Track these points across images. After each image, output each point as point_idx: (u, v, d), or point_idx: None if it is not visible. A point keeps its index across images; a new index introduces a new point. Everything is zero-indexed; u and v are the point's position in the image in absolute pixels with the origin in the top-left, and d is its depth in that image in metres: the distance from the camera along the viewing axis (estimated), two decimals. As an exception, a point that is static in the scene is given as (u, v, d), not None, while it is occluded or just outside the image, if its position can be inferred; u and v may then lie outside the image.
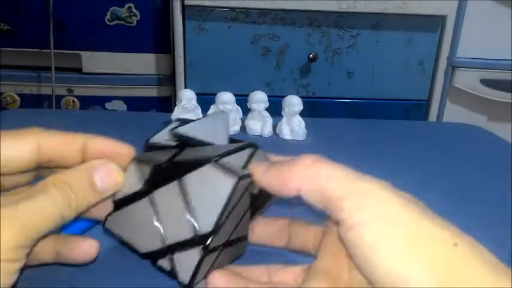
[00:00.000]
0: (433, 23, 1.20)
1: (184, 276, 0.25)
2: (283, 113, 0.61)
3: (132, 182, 0.27)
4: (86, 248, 0.27)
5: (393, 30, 1.19)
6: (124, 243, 0.28)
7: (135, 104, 1.37)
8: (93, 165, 0.26)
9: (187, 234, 0.25)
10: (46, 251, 0.27)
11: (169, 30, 1.28)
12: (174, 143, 0.29)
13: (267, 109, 0.61)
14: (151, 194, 0.27)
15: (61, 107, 1.34)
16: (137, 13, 1.31)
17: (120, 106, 1.37)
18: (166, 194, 0.26)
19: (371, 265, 0.21)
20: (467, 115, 1.32)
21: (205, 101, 0.60)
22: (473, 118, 1.31)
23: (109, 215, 0.28)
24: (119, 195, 0.28)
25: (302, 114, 0.60)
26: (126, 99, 1.37)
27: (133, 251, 0.27)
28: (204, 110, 0.60)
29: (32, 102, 1.35)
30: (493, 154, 0.60)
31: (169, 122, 0.30)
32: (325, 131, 0.61)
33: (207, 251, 0.25)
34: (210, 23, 1.15)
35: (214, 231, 0.25)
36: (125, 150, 0.28)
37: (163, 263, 0.26)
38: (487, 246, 0.23)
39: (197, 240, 0.25)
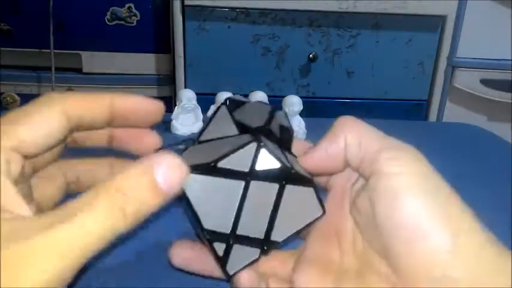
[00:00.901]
0: (433, 23, 1.20)
1: (233, 267, 0.25)
2: (283, 113, 0.61)
3: (227, 125, 0.26)
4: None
5: (393, 30, 1.19)
6: (189, 210, 0.24)
7: (135, 104, 1.37)
8: (153, 162, 0.20)
9: (259, 235, 0.25)
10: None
11: (169, 30, 1.28)
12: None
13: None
14: (249, 181, 0.25)
15: (61, 107, 1.34)
16: (137, 13, 1.31)
17: (120, 106, 1.37)
18: (263, 189, 0.25)
19: (393, 214, 0.22)
20: (467, 115, 1.32)
21: (205, 101, 0.60)
22: (473, 118, 1.31)
23: (196, 172, 0.24)
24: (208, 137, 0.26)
25: (302, 114, 0.60)
26: (126, 99, 1.37)
27: (195, 221, 0.25)
28: (204, 110, 0.60)
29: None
30: (493, 154, 0.60)
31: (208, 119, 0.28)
32: (325, 131, 0.61)
33: (263, 256, 0.26)
34: (210, 23, 1.15)
35: (281, 243, 0.26)
36: (154, 106, 0.25)
37: (219, 246, 0.25)
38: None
39: (263, 243, 0.25)
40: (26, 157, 0.21)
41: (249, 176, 0.24)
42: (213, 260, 0.26)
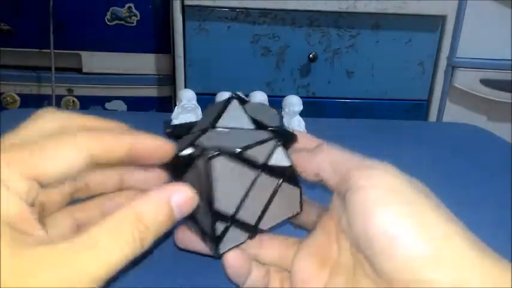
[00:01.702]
0: (433, 23, 1.20)
1: (224, 247, 0.27)
2: (283, 113, 0.61)
3: (238, 118, 0.28)
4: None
5: (393, 30, 1.19)
6: (204, 189, 0.26)
7: (135, 104, 1.37)
8: (171, 192, 0.22)
9: (251, 221, 0.28)
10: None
11: (169, 30, 1.28)
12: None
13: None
14: (260, 172, 0.27)
15: (61, 107, 1.34)
16: (137, 13, 1.31)
17: (120, 106, 1.37)
18: (267, 182, 0.27)
19: (367, 225, 0.22)
20: (467, 115, 1.32)
21: (205, 101, 0.60)
22: (473, 118, 1.31)
23: (223, 156, 0.26)
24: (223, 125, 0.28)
25: (302, 114, 0.60)
26: (126, 99, 1.37)
27: (209, 199, 0.26)
28: (204, 110, 0.60)
29: (32, 102, 1.35)
30: (493, 154, 0.60)
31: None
32: (325, 131, 0.61)
33: (248, 240, 0.28)
34: (210, 23, 1.15)
35: (266, 232, 0.28)
36: (168, 146, 0.26)
37: (219, 226, 0.27)
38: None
39: (252, 229, 0.28)
40: (40, 185, 0.22)
41: (262, 168, 0.27)
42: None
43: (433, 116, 1.28)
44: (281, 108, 0.61)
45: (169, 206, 0.22)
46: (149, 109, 1.38)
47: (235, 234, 0.27)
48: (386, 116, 1.24)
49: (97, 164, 0.23)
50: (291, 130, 0.29)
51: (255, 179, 0.27)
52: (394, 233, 0.21)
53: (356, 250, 0.25)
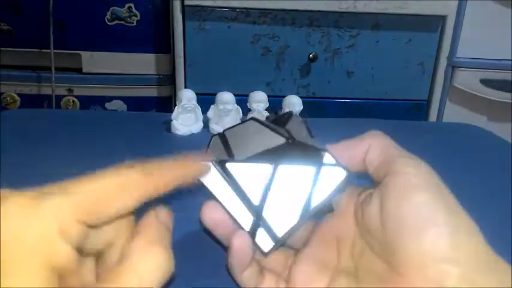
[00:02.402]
0: (433, 23, 1.20)
1: (281, 232, 0.28)
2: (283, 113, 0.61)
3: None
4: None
5: (393, 30, 1.19)
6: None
7: (135, 104, 1.37)
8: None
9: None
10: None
11: (169, 30, 1.28)
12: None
13: (266, 109, 0.62)
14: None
15: (61, 107, 1.34)
16: (137, 13, 1.31)
17: (120, 106, 1.37)
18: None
19: (403, 206, 0.24)
20: (467, 115, 1.32)
21: (205, 101, 0.60)
22: (473, 118, 1.31)
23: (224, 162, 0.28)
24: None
25: (302, 114, 0.60)
26: (126, 99, 1.37)
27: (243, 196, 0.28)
28: (204, 110, 0.61)
29: (32, 102, 1.35)
30: (493, 154, 0.60)
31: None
32: (325, 131, 0.61)
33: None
34: (210, 23, 1.15)
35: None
36: (205, 168, 0.28)
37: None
38: (486, 246, 0.23)
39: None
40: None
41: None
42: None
43: (433, 116, 1.28)
44: (281, 108, 0.61)
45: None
46: (149, 109, 1.38)
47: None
48: (386, 116, 1.24)
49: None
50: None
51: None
52: (428, 216, 0.23)
53: (370, 242, 0.26)
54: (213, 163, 0.28)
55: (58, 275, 0.18)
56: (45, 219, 0.19)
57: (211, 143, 0.30)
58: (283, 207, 0.28)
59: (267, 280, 0.29)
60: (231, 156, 0.28)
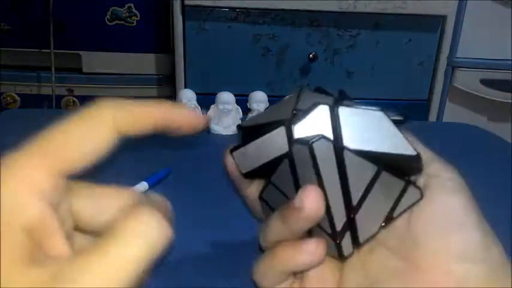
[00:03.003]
0: (433, 23, 1.20)
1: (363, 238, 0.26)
2: (283, 113, 0.61)
3: (321, 125, 0.25)
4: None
5: (393, 30, 1.19)
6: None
7: (135, 104, 1.37)
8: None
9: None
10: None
11: (169, 30, 1.28)
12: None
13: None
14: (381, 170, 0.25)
15: (61, 107, 1.34)
16: (137, 13, 1.31)
17: (120, 106, 1.37)
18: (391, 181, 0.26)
19: (433, 204, 0.25)
20: (467, 115, 1.32)
21: (205, 101, 0.60)
22: (473, 118, 1.31)
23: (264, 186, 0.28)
24: (302, 131, 0.25)
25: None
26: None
27: (346, 191, 0.25)
28: (204, 110, 0.61)
29: (32, 102, 1.35)
30: (493, 154, 0.60)
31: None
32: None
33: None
34: (210, 23, 1.15)
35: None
36: (199, 119, 0.23)
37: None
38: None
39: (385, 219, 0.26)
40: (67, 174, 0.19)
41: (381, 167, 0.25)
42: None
43: (433, 116, 1.28)
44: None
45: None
46: (149, 109, 1.38)
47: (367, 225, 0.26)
48: (386, 116, 1.24)
49: (126, 136, 0.21)
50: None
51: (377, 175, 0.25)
52: (461, 218, 0.24)
53: (388, 233, 0.26)
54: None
55: (31, 236, 0.17)
56: (11, 178, 0.17)
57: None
58: (372, 212, 0.26)
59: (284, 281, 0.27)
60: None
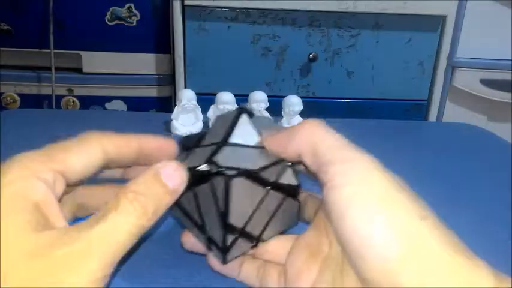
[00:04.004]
0: (433, 23, 1.20)
1: (231, 256, 0.29)
2: (283, 113, 0.61)
3: (249, 132, 0.29)
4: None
5: (393, 30, 1.19)
6: (216, 206, 0.28)
7: (135, 104, 1.37)
8: (157, 167, 0.25)
9: (256, 232, 0.29)
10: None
11: (169, 30, 1.28)
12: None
13: (267, 109, 0.61)
14: (269, 190, 0.28)
15: (61, 107, 1.34)
16: (137, 13, 1.31)
17: (120, 106, 1.37)
18: (274, 198, 0.29)
19: (342, 223, 0.23)
20: (467, 115, 1.32)
21: (205, 101, 0.60)
22: (473, 118, 1.31)
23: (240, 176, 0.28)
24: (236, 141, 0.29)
25: (302, 114, 0.60)
26: (126, 99, 1.37)
27: (222, 214, 0.27)
28: (204, 110, 0.61)
29: (32, 102, 1.35)
30: (493, 154, 0.60)
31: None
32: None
33: (251, 249, 0.29)
34: (210, 23, 1.15)
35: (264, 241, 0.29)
36: (170, 145, 0.29)
37: (229, 238, 0.28)
38: (486, 246, 0.23)
39: (256, 239, 0.29)
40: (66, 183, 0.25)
41: (272, 186, 0.28)
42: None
43: (433, 116, 1.28)
44: (281, 108, 0.61)
45: (158, 178, 0.24)
46: (149, 109, 1.38)
47: (241, 244, 0.29)
48: (386, 116, 1.24)
49: (113, 162, 0.27)
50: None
51: (265, 196, 0.28)
52: (365, 234, 0.22)
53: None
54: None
55: (39, 210, 0.22)
56: (19, 166, 0.23)
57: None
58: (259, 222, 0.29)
59: (269, 274, 0.29)
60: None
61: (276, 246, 0.29)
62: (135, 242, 0.23)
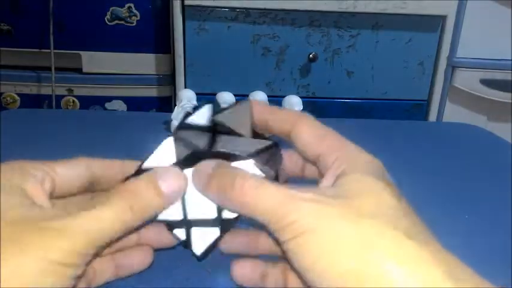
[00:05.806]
0: (433, 23, 1.20)
1: (199, 249, 0.28)
2: (283, 113, 0.61)
3: (167, 157, 0.28)
4: (141, 256, 0.29)
5: (393, 30, 1.19)
6: None
7: (135, 104, 1.37)
8: (156, 171, 0.26)
9: (210, 215, 0.28)
10: (108, 269, 0.28)
11: (169, 30, 1.28)
12: (206, 125, 0.29)
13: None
14: (182, 169, 0.27)
15: (61, 107, 1.34)
16: (137, 13, 1.31)
17: (120, 106, 1.37)
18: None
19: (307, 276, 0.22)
20: (467, 115, 1.32)
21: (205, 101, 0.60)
22: (473, 118, 1.31)
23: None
24: (151, 165, 0.27)
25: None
26: (126, 99, 1.37)
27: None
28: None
29: (32, 102, 1.35)
30: (493, 154, 0.60)
31: (197, 106, 0.30)
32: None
33: (224, 233, 0.28)
34: (210, 23, 1.15)
35: (235, 220, 0.28)
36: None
37: (179, 232, 0.28)
38: (487, 247, 0.22)
39: (217, 223, 0.28)
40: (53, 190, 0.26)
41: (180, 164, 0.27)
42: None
43: (433, 116, 1.28)
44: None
45: (153, 180, 0.25)
46: (149, 109, 1.38)
47: (203, 233, 0.28)
48: (386, 116, 1.25)
49: (97, 181, 0.28)
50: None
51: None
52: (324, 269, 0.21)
53: None
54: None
55: (25, 195, 0.24)
56: (19, 169, 0.26)
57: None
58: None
59: (270, 277, 0.28)
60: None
61: (271, 244, 0.29)
62: (116, 238, 0.24)
